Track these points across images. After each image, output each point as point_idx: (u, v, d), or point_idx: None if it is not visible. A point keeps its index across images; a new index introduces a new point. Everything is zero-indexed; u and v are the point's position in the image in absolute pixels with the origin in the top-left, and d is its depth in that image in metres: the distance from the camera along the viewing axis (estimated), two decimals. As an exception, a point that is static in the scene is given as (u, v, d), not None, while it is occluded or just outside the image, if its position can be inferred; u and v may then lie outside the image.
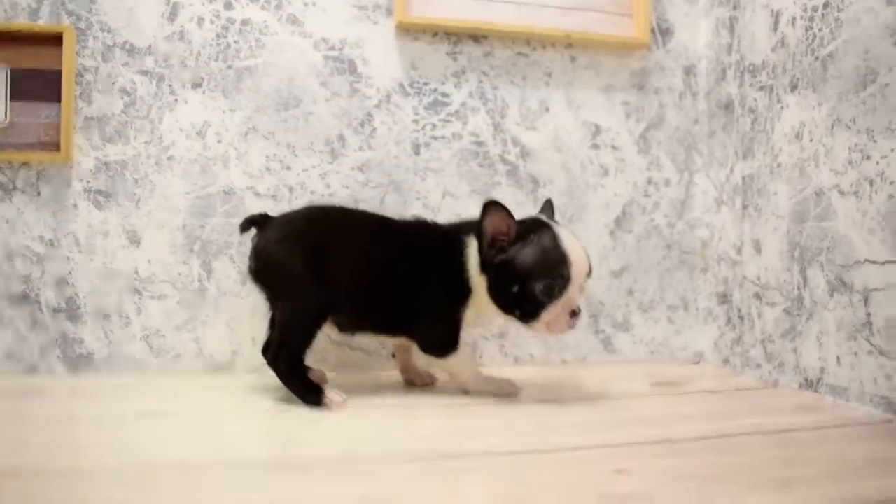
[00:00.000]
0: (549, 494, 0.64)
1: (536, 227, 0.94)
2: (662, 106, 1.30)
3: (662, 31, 1.30)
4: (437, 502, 0.63)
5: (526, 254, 0.92)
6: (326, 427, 0.85)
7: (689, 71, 1.32)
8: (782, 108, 1.11)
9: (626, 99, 1.28)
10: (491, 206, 0.91)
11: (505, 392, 1.01)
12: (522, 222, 0.94)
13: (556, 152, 1.24)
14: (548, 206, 1.05)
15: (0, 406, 0.95)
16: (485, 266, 0.94)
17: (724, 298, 1.25)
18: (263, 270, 0.97)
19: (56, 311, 1.09)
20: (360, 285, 0.96)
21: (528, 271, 0.91)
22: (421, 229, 1.02)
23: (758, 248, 1.16)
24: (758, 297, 1.16)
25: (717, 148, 1.28)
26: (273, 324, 1.01)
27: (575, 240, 0.94)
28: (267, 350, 0.98)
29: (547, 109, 1.24)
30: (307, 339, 0.94)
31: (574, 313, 0.93)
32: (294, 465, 0.72)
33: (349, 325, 1.01)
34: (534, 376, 1.17)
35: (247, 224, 1.00)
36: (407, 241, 1.00)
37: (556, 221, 0.99)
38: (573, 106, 1.26)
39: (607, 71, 1.27)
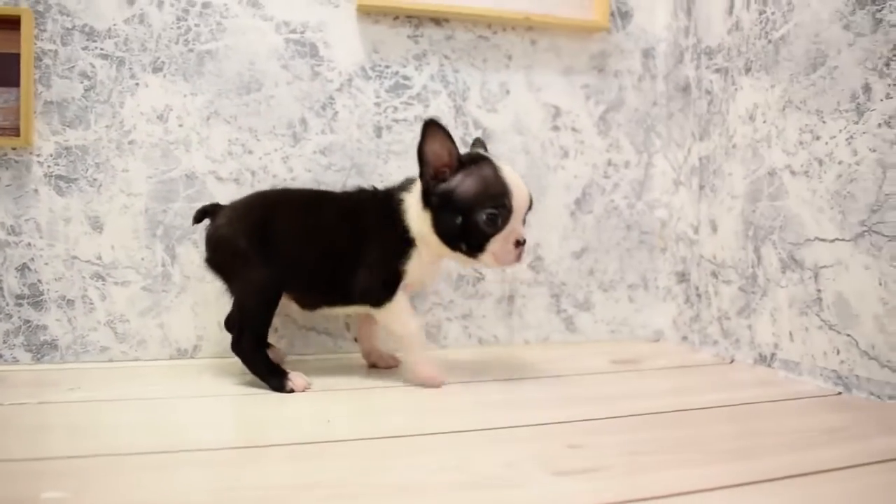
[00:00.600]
0: (502, 470, 0.66)
1: (476, 159, 0.95)
2: (622, 88, 1.32)
3: (622, 14, 1.32)
4: (399, 480, 0.65)
5: (468, 184, 0.92)
6: (290, 411, 0.87)
7: (647, 53, 1.34)
8: (737, 90, 1.14)
9: (586, 81, 1.30)
10: (431, 128, 0.91)
11: (430, 382, 0.98)
12: (462, 154, 0.95)
13: (516, 134, 1.26)
14: (479, 143, 1.07)
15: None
16: (427, 199, 0.95)
17: (683, 277, 1.28)
18: (214, 256, 1.00)
19: (19, 297, 1.09)
20: (304, 257, 0.98)
21: (471, 202, 0.91)
22: (358, 196, 1.04)
23: (714, 228, 1.19)
24: (714, 275, 1.19)
25: (675, 129, 1.31)
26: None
27: (514, 172, 0.95)
28: (231, 325, 0.99)
29: (508, 92, 1.26)
30: (264, 317, 0.95)
31: (519, 243, 0.94)
32: (256, 449, 0.73)
33: (305, 300, 1.02)
34: (497, 356, 1.19)
35: (199, 215, 1.03)
36: (346, 208, 1.01)
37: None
38: (533, 88, 1.27)
39: (567, 53, 1.29)
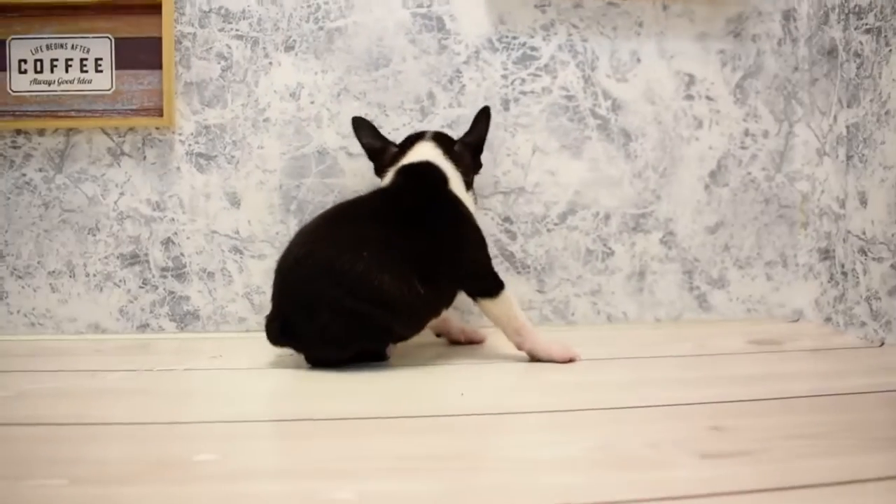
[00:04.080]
0: (648, 450, 0.64)
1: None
2: (760, 53, 1.25)
3: (760, -25, 1.24)
4: (539, 455, 0.64)
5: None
6: (420, 384, 0.87)
7: (788, 16, 1.25)
8: (891, 51, 1.05)
9: (722, 47, 1.23)
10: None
11: (567, 357, 0.95)
12: None
13: (648, 104, 1.21)
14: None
15: (116, 361, 1.01)
16: (459, 155, 1.05)
17: (827, 254, 1.21)
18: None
19: (164, 270, 1.14)
20: (387, 292, 0.88)
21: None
22: (392, 192, 1.00)
23: (863, 201, 1.11)
24: (863, 252, 1.11)
25: (819, 96, 1.22)
26: None
27: None
28: None
29: (638, 60, 1.21)
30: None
31: None
32: (389, 420, 0.74)
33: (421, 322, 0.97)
34: (627, 334, 1.16)
35: None
36: (390, 212, 0.95)
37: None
38: (665, 56, 1.22)
39: (701, 18, 1.23)
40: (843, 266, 1.16)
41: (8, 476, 0.58)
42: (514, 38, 1.18)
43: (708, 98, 1.23)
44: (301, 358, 0.94)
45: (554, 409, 0.76)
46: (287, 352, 0.95)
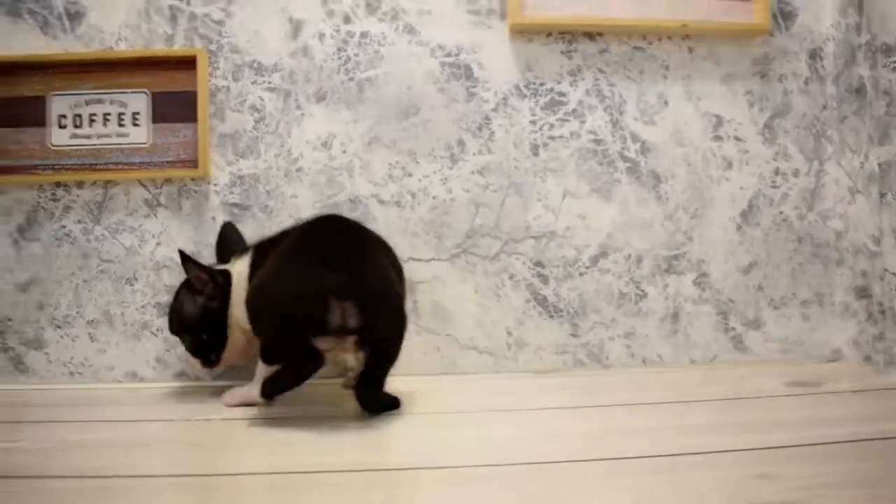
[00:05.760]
0: (693, 499, 0.63)
1: None
2: (787, 93, 1.25)
3: (784, 15, 1.25)
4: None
5: None
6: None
7: (814, 54, 1.26)
8: (924, 88, 1.05)
9: (749, 87, 1.24)
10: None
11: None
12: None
13: (676, 146, 1.22)
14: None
15: (154, 410, 1.01)
16: None
17: (864, 292, 1.19)
18: None
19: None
20: None
21: None
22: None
23: (900, 238, 1.10)
24: (902, 289, 1.09)
25: (849, 134, 1.22)
26: None
27: None
28: None
29: (666, 103, 1.22)
30: None
31: None
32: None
33: None
34: (663, 377, 1.15)
35: None
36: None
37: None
38: (693, 98, 1.23)
39: (727, 60, 1.24)
40: (881, 304, 1.15)
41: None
42: (542, 84, 1.19)
43: (737, 139, 1.23)
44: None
45: (591, 457, 0.75)
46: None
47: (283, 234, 1.03)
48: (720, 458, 0.75)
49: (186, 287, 1.05)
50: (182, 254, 1.02)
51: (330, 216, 1.05)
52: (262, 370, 1.00)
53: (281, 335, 0.91)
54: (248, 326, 0.99)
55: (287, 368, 0.91)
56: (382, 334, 0.92)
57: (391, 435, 0.87)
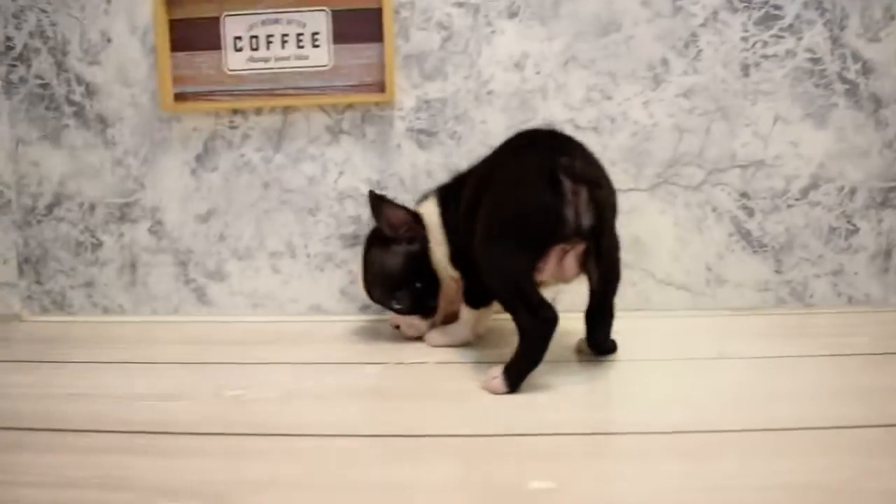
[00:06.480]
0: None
1: None
2: None
3: None
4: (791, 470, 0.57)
5: None
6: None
7: None
8: None
9: (985, -2, 1.10)
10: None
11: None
12: None
13: (901, 66, 1.10)
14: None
15: (363, 351, 0.98)
16: None
17: None
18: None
19: (385, 251, 1.11)
20: None
21: None
22: None
23: None
24: None
25: None
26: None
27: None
28: None
29: (892, 17, 1.09)
30: None
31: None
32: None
33: None
34: (871, 318, 1.07)
35: None
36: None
37: None
38: (921, 10, 1.10)
39: (960, -34, 1.10)
40: None
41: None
42: (756, -5, 1.08)
43: (969, 56, 1.10)
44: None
45: (811, 425, 0.67)
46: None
47: (472, 169, 0.96)
48: None
49: (377, 242, 0.98)
50: (373, 195, 0.96)
51: (532, 129, 0.96)
52: (468, 313, 0.95)
53: (509, 254, 0.79)
54: (449, 269, 0.94)
55: (523, 340, 0.79)
56: (609, 244, 0.85)
57: (614, 389, 0.83)
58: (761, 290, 1.11)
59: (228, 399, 0.78)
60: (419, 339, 0.98)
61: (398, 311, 0.98)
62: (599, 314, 0.89)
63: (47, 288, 1.18)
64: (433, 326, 0.99)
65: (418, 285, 0.96)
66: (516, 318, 0.79)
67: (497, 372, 0.79)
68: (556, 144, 0.86)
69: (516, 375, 0.78)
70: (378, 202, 0.97)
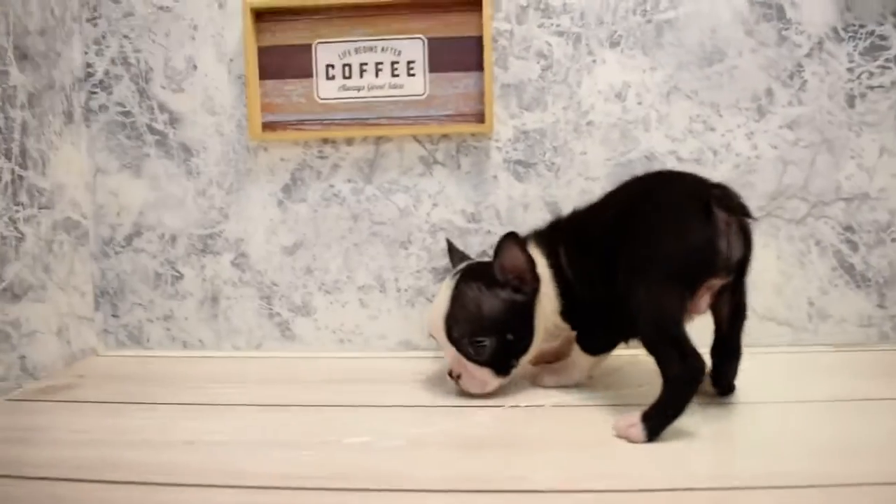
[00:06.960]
0: None
1: None
2: None
3: None
4: None
5: None
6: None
7: None
8: None
9: None
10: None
11: None
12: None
13: None
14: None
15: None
16: None
17: None
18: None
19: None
20: None
21: None
22: None
23: None
24: None
25: None
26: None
27: (442, 293, 0.89)
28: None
29: None
30: None
31: (451, 375, 0.89)
32: None
33: None
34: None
35: None
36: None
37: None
38: None
39: None
40: None
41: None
42: (862, 26, 1.05)
43: None
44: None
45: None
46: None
47: (590, 209, 0.91)
48: None
49: (480, 279, 0.87)
50: (512, 235, 0.85)
51: (654, 171, 0.93)
52: (585, 360, 0.91)
53: (665, 292, 0.75)
54: (559, 323, 0.90)
55: (669, 388, 0.75)
56: (744, 280, 0.82)
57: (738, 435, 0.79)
58: (864, 325, 1.08)
59: (348, 446, 0.75)
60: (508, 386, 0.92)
61: (473, 360, 0.86)
62: (728, 352, 0.87)
63: (124, 321, 1.14)
64: (499, 387, 0.89)
65: (510, 337, 0.86)
66: (663, 364, 0.76)
67: (634, 419, 0.75)
68: (699, 178, 0.83)
69: (658, 424, 0.75)
70: (507, 242, 0.85)
